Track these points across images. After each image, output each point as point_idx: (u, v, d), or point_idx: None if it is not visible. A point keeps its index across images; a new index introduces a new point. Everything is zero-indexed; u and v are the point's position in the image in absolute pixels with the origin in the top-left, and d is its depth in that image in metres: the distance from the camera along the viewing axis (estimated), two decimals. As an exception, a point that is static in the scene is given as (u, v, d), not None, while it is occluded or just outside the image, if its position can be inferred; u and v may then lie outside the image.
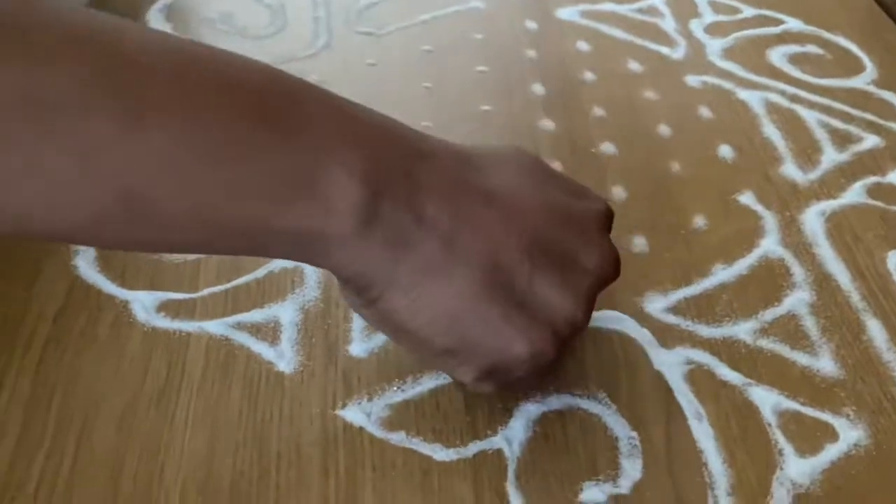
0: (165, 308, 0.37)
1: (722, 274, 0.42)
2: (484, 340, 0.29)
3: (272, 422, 0.34)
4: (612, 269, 0.33)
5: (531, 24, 0.57)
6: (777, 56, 0.57)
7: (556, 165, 0.47)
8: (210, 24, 0.54)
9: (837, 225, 0.45)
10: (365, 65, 0.52)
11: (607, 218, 0.34)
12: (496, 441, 0.34)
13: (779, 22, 0.61)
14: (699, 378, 0.37)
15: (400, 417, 0.34)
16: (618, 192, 0.46)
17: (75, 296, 0.37)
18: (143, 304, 0.37)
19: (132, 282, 0.38)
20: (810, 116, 0.52)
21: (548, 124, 0.50)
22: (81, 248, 0.39)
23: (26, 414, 0.33)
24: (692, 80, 0.54)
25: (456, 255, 0.28)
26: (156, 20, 0.54)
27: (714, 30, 0.59)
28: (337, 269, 0.28)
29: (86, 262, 0.39)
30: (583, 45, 0.56)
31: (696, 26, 0.59)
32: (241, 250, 0.29)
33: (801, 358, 0.38)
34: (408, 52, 0.54)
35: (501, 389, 0.33)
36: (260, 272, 0.39)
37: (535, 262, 0.30)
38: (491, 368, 0.30)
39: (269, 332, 0.37)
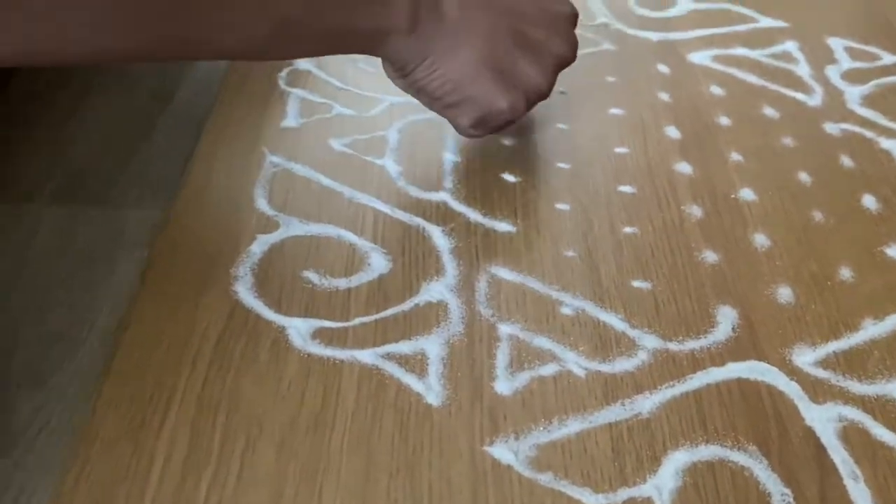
0: (320, 335, 0.39)
1: (872, 329, 0.41)
2: (477, 97, 0.44)
3: (423, 453, 0.35)
4: (571, 53, 0.48)
5: (663, 68, 0.58)
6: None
7: (697, 211, 0.47)
8: (354, 63, 0.56)
9: None
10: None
11: (573, 16, 0.48)
12: (646, 489, 0.34)
13: (921, 69, 0.59)
14: (853, 436, 0.36)
15: (548, 458, 0.35)
16: (760, 240, 0.45)
17: (236, 320, 0.39)
18: (298, 330, 0.39)
19: (288, 308, 0.40)
20: (960, 168, 0.51)
21: (685, 167, 0.50)
22: (241, 274, 0.41)
23: (193, 432, 0.35)
24: (831, 127, 0.53)
25: (462, 39, 0.43)
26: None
27: (852, 76, 0.58)
28: (386, 55, 0.43)
29: (245, 288, 0.41)
30: (716, 90, 0.56)
31: (832, 73, 0.58)
32: (318, 51, 0.43)
33: (964, 422, 0.37)
34: (541, 93, 0.55)
35: (487, 132, 0.47)
36: (406, 305, 0.40)
37: (517, 46, 0.44)
38: (480, 118, 0.45)
39: (416, 363, 0.38)
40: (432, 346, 0.39)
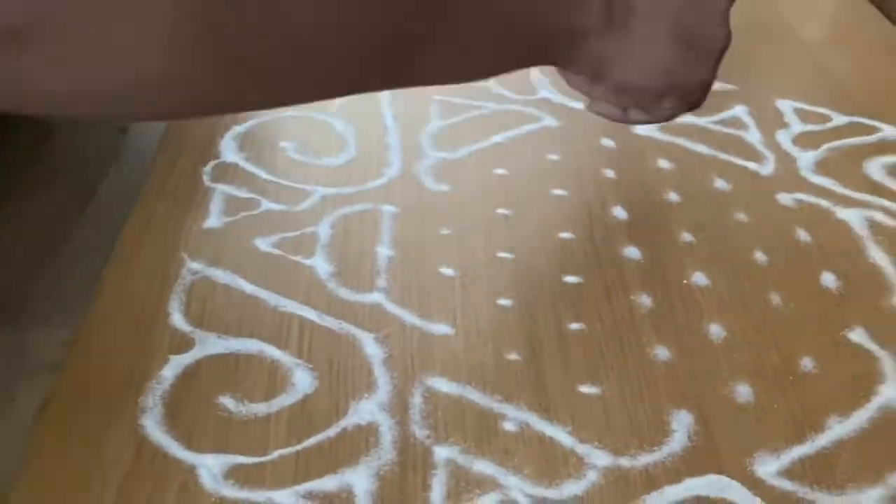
0: (234, 474, 0.35)
1: (838, 429, 0.38)
2: (685, 70, 0.42)
3: None
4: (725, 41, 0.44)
5: (608, 142, 0.55)
6: (875, 168, 0.54)
7: (647, 300, 0.44)
8: (283, 152, 0.54)
9: (967, 366, 0.41)
10: (439, 191, 0.51)
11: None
12: None
13: (873, 129, 0.57)
14: (826, 560, 0.33)
15: None
16: (716, 331, 0.42)
17: (142, 459, 0.35)
18: (210, 469, 0.35)
19: (199, 443, 0.36)
20: (920, 236, 0.48)
21: (633, 252, 0.47)
22: (150, 405, 0.37)
23: None
24: (785, 198, 0.51)
25: (650, 32, 0.40)
26: (229, 149, 0.54)
27: (804, 141, 0.56)
28: (580, 58, 0.41)
29: (153, 422, 0.37)
30: (664, 163, 0.54)
31: (783, 137, 0.56)
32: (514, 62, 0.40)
33: (943, 535, 0.34)
34: (482, 176, 0.52)
35: (678, 113, 0.45)
36: (332, 430, 0.37)
37: (698, 33, 0.42)
38: (688, 91, 0.44)
39: (341, 502, 0.34)
40: (360, 479, 0.35)
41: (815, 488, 0.35)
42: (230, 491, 0.34)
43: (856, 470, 0.36)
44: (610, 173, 0.53)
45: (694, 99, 0.44)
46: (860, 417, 0.38)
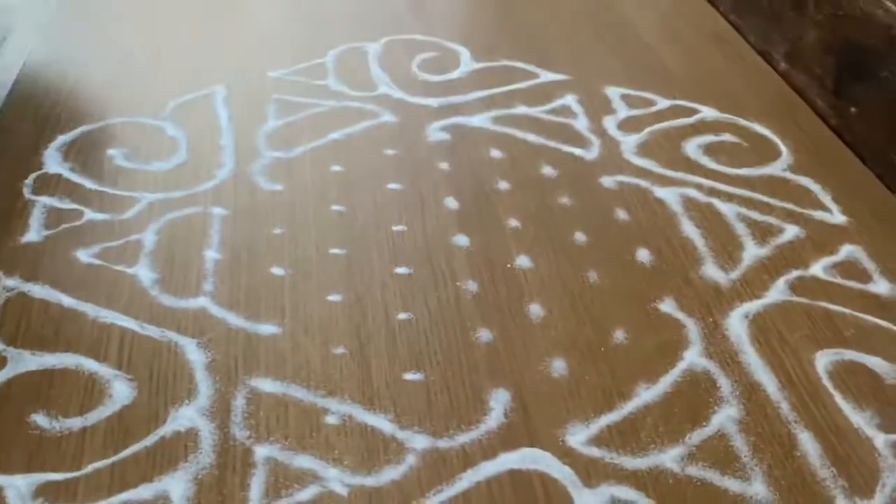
0: (44, 492, 0.34)
1: (645, 395, 0.40)
2: None
3: None
4: None
5: (443, 135, 0.57)
6: (693, 148, 0.57)
7: (473, 286, 0.45)
8: (111, 160, 0.52)
9: (762, 328, 0.44)
10: (273, 191, 0.51)
11: None
12: None
13: (693, 112, 0.61)
14: (626, 519, 0.35)
15: None
16: (535, 310, 0.44)
17: (-57, 487, 0.34)
18: (18, 490, 0.34)
19: (8, 465, 0.35)
20: (729, 210, 0.52)
21: (462, 240, 0.48)
22: (-47, 429, 0.36)
23: None
24: (607, 180, 0.54)
25: None
26: (53, 159, 0.52)
27: (628, 125, 0.59)
28: None
29: (-43, 446, 0.35)
30: (496, 153, 0.55)
31: (610, 123, 0.59)
32: None
33: (732, 484, 0.36)
34: (317, 174, 0.53)
35: None
36: (150, 439, 0.36)
37: None
38: None
39: (157, 511, 0.34)
40: (177, 485, 0.35)
41: (620, 452, 0.37)
42: (38, 510, 0.34)
43: (658, 432, 0.38)
44: (444, 165, 0.54)
45: None
46: (665, 382, 0.41)
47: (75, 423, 0.37)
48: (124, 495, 0.34)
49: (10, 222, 0.47)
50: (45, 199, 0.49)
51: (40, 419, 0.37)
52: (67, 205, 0.49)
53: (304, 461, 0.36)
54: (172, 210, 0.49)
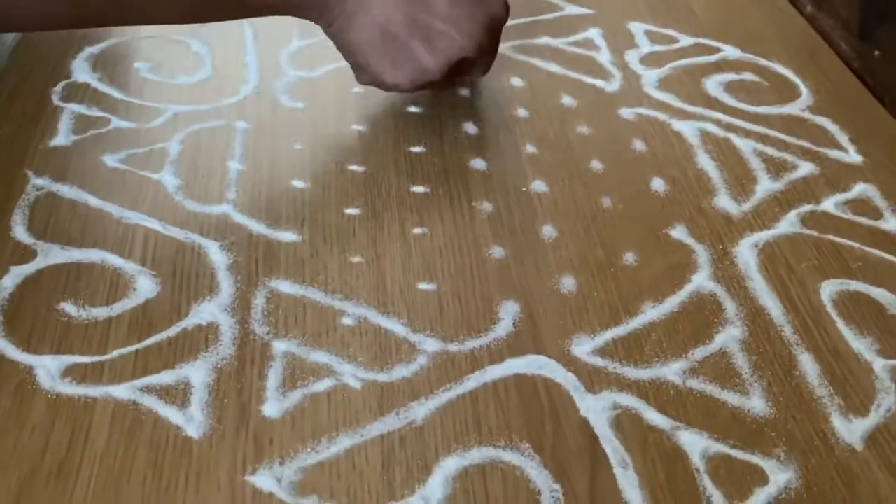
0: (72, 373, 0.36)
1: (652, 312, 0.41)
2: (367, 67, 0.48)
3: (177, 491, 0.32)
4: (474, 52, 0.47)
5: (465, 62, 0.57)
6: (713, 85, 0.57)
7: (488, 206, 0.46)
8: (137, 73, 0.53)
9: (771, 256, 0.45)
10: (295, 108, 0.52)
11: (498, 14, 0.49)
12: (413, 501, 0.32)
13: (715, 50, 0.61)
14: (626, 423, 0.36)
15: (313, 481, 0.33)
16: (548, 231, 0.45)
17: (-22, 363, 0.36)
18: (47, 369, 0.36)
19: (38, 346, 0.37)
20: (745, 145, 0.52)
21: (479, 164, 0.49)
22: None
23: (-81, 493, 0.32)
24: (627, 112, 0.54)
25: (360, 21, 0.46)
26: (81, 69, 0.53)
27: (650, 60, 0.59)
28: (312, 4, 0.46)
29: (-10, 327, 0.37)
30: (517, 81, 0.56)
31: (632, 58, 0.59)
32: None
33: (731, 398, 0.37)
34: (339, 94, 0.53)
35: (412, 89, 0.48)
36: (172, 331, 0.38)
37: (410, 34, 0.46)
38: (372, 82, 0.49)
39: (178, 394, 0.35)
40: (198, 373, 0.36)
41: (623, 363, 0.38)
42: (67, 388, 0.35)
43: (662, 347, 0.39)
44: (464, 92, 0.55)
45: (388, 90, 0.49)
46: (672, 302, 0.42)
47: (101, 312, 0.38)
48: (147, 379, 0.36)
49: (40, 126, 0.49)
50: (73, 106, 0.50)
51: (69, 307, 0.38)
52: (95, 112, 0.50)
53: (319, 356, 0.37)
54: (197, 122, 0.50)
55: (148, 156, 0.47)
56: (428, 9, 0.46)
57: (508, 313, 0.40)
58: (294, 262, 0.42)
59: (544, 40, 0.60)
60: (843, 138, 0.53)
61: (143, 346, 0.37)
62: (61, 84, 0.52)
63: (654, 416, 0.36)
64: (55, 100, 0.50)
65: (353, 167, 0.48)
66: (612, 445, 0.35)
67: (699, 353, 0.39)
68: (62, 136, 0.48)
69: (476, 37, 0.47)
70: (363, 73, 0.48)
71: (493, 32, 0.48)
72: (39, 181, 0.45)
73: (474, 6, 0.47)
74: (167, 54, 0.55)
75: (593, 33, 0.61)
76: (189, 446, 0.34)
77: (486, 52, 0.48)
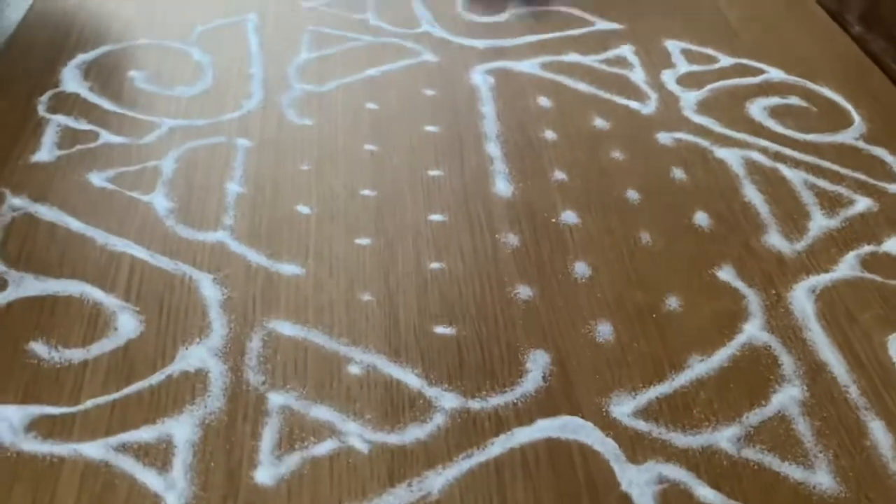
0: (37, 426, 0.31)
1: (699, 367, 0.36)
2: None
3: (152, 575, 0.28)
4: None
5: (488, 79, 0.53)
6: (757, 109, 0.52)
7: (513, 239, 0.42)
8: (132, 82, 0.49)
9: (830, 304, 0.40)
10: (303, 125, 0.47)
11: None
12: None
13: (759, 72, 0.56)
14: (674, 500, 0.31)
15: (310, 565, 0.28)
16: (580, 269, 0.40)
17: (-70, 413, 0.31)
18: (9, 422, 0.31)
19: (1, 394, 0.32)
20: (795, 177, 0.47)
21: (504, 190, 0.45)
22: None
23: None
24: (664, 137, 0.49)
25: None
26: (72, 77, 0.49)
27: (688, 81, 0.54)
28: None
29: (-52, 370, 0.33)
30: (544, 101, 0.51)
31: (668, 78, 0.55)
32: None
33: (793, 471, 0.32)
34: (350, 110, 0.49)
35: None
36: (156, 378, 0.33)
37: None
38: None
39: (159, 454, 0.31)
40: (182, 429, 0.32)
41: (670, 428, 0.34)
42: (31, 444, 0.31)
43: (712, 409, 0.35)
44: (488, 109, 0.50)
45: None
46: (721, 356, 0.37)
47: (76, 354, 0.34)
48: (124, 436, 0.31)
49: (22, 140, 0.44)
50: (60, 118, 0.46)
51: (39, 348, 0.34)
52: (83, 125, 0.45)
53: (321, 412, 0.33)
54: (194, 138, 0.45)
55: (139, 175, 0.43)
56: None
57: (537, 365, 0.36)
58: (296, 300, 0.37)
59: (573, 57, 0.55)
60: (902, 171, 0.48)
61: (122, 396, 0.33)
62: (49, 93, 0.47)
63: (705, 492, 0.31)
64: (41, 111, 0.46)
65: (365, 192, 0.44)
66: (658, 528, 0.30)
67: (754, 416, 0.34)
68: (45, 151, 0.44)
69: None
70: None
71: None
72: (16, 201, 0.40)
73: None
74: (165, 63, 0.51)
75: (626, 50, 0.57)
76: (168, 519, 0.29)
77: None
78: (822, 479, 0.32)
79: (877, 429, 0.34)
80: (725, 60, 0.57)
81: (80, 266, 0.38)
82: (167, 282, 0.37)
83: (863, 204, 0.46)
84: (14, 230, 0.39)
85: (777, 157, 0.49)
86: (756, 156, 0.49)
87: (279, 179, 0.44)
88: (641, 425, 0.34)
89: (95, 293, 0.36)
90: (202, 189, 0.42)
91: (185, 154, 0.44)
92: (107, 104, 0.47)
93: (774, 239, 0.43)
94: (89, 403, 0.32)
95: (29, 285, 0.36)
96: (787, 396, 0.35)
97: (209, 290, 0.37)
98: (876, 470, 0.33)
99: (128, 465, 0.30)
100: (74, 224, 0.40)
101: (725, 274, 0.41)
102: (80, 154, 0.44)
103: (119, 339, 0.35)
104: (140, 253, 0.38)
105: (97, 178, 0.42)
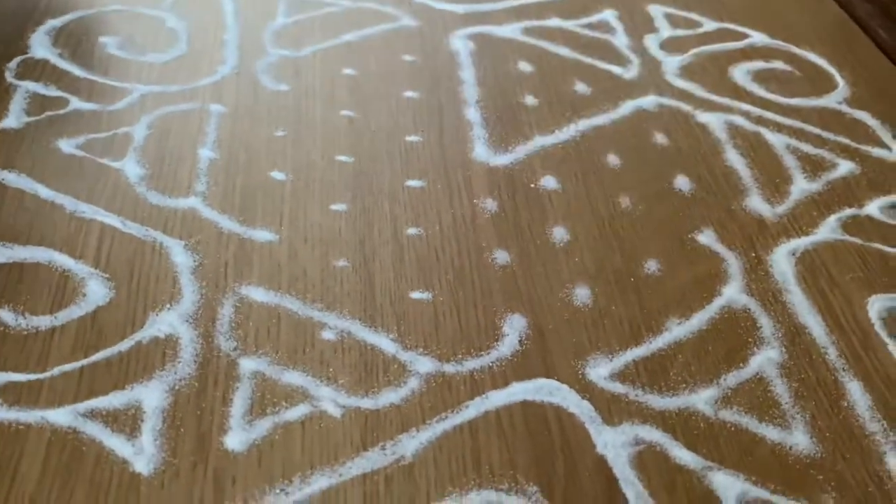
0: (3, 393, 0.31)
1: (678, 330, 0.36)
2: None
3: (120, 540, 0.27)
4: None
5: (468, 44, 0.52)
6: (740, 74, 0.52)
7: (492, 204, 0.41)
8: (103, 48, 0.48)
9: (810, 267, 0.39)
10: (278, 91, 0.46)
11: None
12: (399, 556, 0.28)
13: (742, 36, 0.55)
14: (650, 462, 0.31)
15: (281, 529, 0.28)
16: (559, 234, 0.40)
17: None
18: (-25, 389, 0.31)
19: (-34, 361, 0.32)
20: (778, 140, 0.47)
21: (482, 156, 0.44)
22: None
23: None
24: (646, 102, 0.49)
25: None
26: (40, 44, 0.48)
27: (671, 46, 0.54)
28: None
29: (-88, 338, 0.32)
30: (525, 66, 0.50)
31: (651, 42, 0.54)
32: None
33: (770, 432, 0.32)
34: (327, 76, 0.48)
35: None
36: (125, 344, 0.33)
37: None
38: None
39: (127, 421, 0.30)
40: (151, 395, 0.31)
41: (647, 390, 0.33)
42: (-4, 412, 0.30)
43: (690, 371, 0.34)
44: (468, 75, 0.49)
45: None
46: (700, 319, 0.37)
47: (44, 321, 0.33)
48: (92, 402, 0.31)
49: (-11, 106, 0.43)
50: (28, 84, 0.45)
51: (5, 315, 0.33)
52: (53, 91, 0.44)
53: (294, 377, 0.32)
54: (167, 104, 0.44)
55: (110, 141, 0.42)
56: None
57: (514, 328, 0.35)
58: (269, 266, 0.37)
59: (554, 22, 0.54)
60: (884, 134, 0.48)
61: (90, 363, 0.32)
62: (17, 60, 0.46)
63: (682, 454, 0.31)
64: (8, 77, 0.45)
65: (341, 158, 0.43)
66: (634, 490, 0.30)
67: (732, 378, 0.34)
68: (13, 118, 0.42)
69: None
70: None
71: None
72: (-17, 168, 0.40)
73: None
74: (138, 29, 0.49)
75: (608, 15, 0.56)
76: (136, 485, 0.29)
77: None
78: (799, 439, 0.32)
79: (854, 390, 0.34)
80: (709, 25, 0.56)
81: (49, 233, 0.37)
82: (138, 248, 0.37)
83: (845, 167, 0.45)
84: (-19, 197, 0.38)
85: (760, 121, 0.48)
86: (739, 120, 0.48)
87: (253, 146, 0.43)
88: (618, 388, 0.33)
89: (64, 260, 0.36)
90: (174, 155, 0.41)
91: (158, 120, 0.43)
92: (77, 70, 0.46)
93: (756, 203, 0.43)
94: (56, 370, 0.32)
95: (-4, 253, 0.36)
96: (766, 358, 0.35)
97: (180, 256, 0.37)
98: (853, 430, 0.33)
99: (96, 431, 0.30)
100: (43, 191, 0.39)
101: (706, 238, 0.41)
102: (49, 120, 0.43)
103: (88, 306, 0.34)
104: (110, 220, 0.38)
105: (66, 145, 0.41)
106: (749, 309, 0.37)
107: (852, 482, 0.31)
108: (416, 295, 0.36)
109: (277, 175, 0.41)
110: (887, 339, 0.36)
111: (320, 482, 0.29)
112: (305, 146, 0.43)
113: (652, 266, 0.39)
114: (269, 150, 0.43)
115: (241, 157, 0.42)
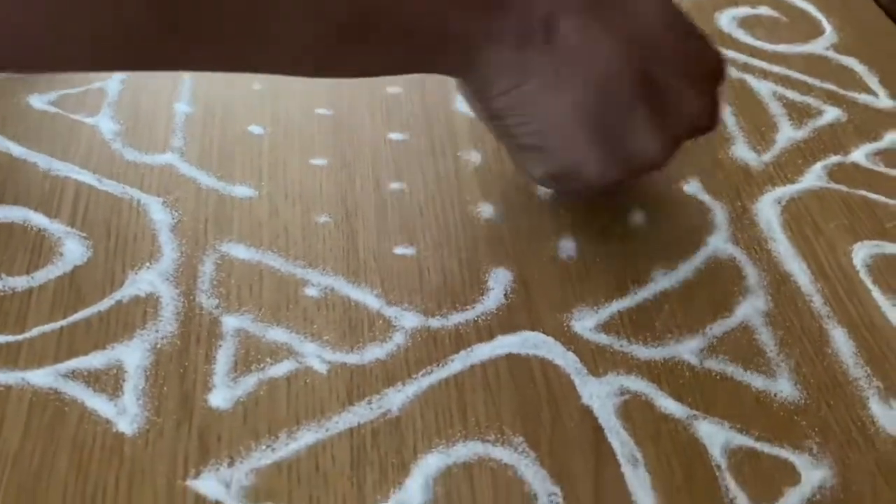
0: (-19, 356, 0.30)
1: (663, 281, 0.36)
2: (560, 151, 0.33)
3: (105, 498, 0.27)
4: (709, 120, 0.35)
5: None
6: (726, 20, 0.51)
7: (476, 156, 0.40)
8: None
9: (795, 215, 0.39)
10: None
11: (720, 68, 0.35)
12: (386, 509, 0.28)
13: (728, -19, 0.54)
14: (635, 412, 0.31)
15: (268, 485, 0.28)
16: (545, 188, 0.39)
17: None
18: (-48, 352, 0.30)
19: (-58, 324, 0.31)
20: (764, 88, 0.46)
21: (466, 107, 0.43)
22: None
23: None
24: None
25: (570, 77, 0.31)
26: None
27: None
28: (473, 68, 0.32)
29: None
30: (508, 14, 0.49)
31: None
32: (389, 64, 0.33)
33: (755, 380, 0.32)
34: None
35: (564, 189, 0.37)
36: (105, 304, 0.32)
37: (638, 98, 0.32)
38: (557, 175, 0.34)
39: (109, 380, 0.30)
40: (133, 354, 0.31)
41: (632, 341, 0.33)
42: (-26, 375, 0.30)
43: (675, 321, 0.34)
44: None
45: (574, 186, 0.37)
46: (686, 269, 0.36)
47: (20, 282, 0.33)
48: (72, 362, 0.30)
49: (-45, 62, 0.42)
50: (-5, 39, 0.43)
51: (-20, 277, 0.33)
52: (21, 46, 0.43)
53: (278, 334, 0.32)
54: (140, 57, 0.43)
55: (83, 97, 0.41)
56: (656, 53, 0.32)
57: (499, 282, 0.35)
58: (250, 222, 0.36)
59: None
60: (872, 80, 0.47)
61: (69, 323, 0.31)
62: (-17, 13, 0.45)
63: (667, 403, 0.31)
64: (-25, 31, 0.44)
65: (321, 111, 0.42)
66: (619, 438, 0.30)
67: (718, 327, 0.34)
68: (-19, 74, 0.41)
69: (712, 101, 0.34)
70: (545, 160, 0.34)
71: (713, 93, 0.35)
72: (-49, 126, 0.39)
73: (700, 44, 0.34)
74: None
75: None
76: (120, 444, 0.28)
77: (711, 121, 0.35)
78: (783, 386, 0.32)
79: (838, 336, 0.34)
80: (695, -29, 0.55)
81: (23, 192, 0.36)
82: (115, 206, 0.36)
83: (832, 114, 0.45)
84: (-50, 157, 0.37)
85: (745, 68, 0.47)
86: (725, 68, 0.47)
87: (230, 100, 0.42)
88: (603, 339, 0.33)
89: (39, 219, 0.35)
90: (149, 110, 0.40)
91: (132, 75, 0.42)
92: (46, 24, 0.45)
93: (741, 151, 0.42)
94: (35, 331, 0.31)
95: (-32, 213, 0.35)
96: (751, 307, 0.35)
97: (159, 213, 0.36)
98: (836, 377, 0.33)
99: (77, 391, 0.30)
100: (15, 149, 0.38)
101: (691, 187, 0.40)
102: (19, 76, 0.42)
103: (65, 266, 0.33)
104: (85, 177, 0.37)
105: (38, 101, 0.40)
106: (735, 258, 0.37)
107: (836, 428, 0.31)
108: (399, 250, 0.36)
109: (255, 129, 0.40)
110: (871, 286, 0.36)
111: (307, 438, 0.29)
112: (283, 99, 0.42)
113: (638, 217, 0.38)
114: (247, 103, 0.42)
115: (218, 112, 0.41)
